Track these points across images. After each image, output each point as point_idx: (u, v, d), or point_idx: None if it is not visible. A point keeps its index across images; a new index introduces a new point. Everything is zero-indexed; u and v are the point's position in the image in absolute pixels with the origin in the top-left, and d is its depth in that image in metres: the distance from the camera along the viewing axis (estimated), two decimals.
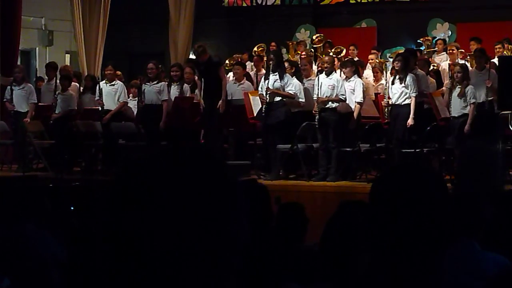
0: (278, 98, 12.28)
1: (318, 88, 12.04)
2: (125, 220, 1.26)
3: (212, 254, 1.27)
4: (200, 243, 1.26)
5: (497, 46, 14.09)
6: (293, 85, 12.30)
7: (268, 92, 12.23)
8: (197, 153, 1.32)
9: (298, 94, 12.32)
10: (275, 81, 12.26)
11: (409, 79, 11.78)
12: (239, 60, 15.21)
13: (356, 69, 12.74)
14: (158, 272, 1.26)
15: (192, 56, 16.00)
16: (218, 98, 12.80)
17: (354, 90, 12.27)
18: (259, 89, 12.63)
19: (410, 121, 11.66)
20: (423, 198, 1.87)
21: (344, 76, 12.47)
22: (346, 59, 13.01)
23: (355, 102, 12.21)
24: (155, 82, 13.29)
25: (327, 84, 12.04)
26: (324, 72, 12.18)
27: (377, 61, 15.13)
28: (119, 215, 1.27)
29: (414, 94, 11.74)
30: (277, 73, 12.27)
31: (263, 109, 12.29)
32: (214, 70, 12.90)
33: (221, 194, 1.28)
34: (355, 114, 12.19)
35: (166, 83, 13.50)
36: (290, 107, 12.37)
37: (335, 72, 12.56)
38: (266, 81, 12.32)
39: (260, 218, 3.93)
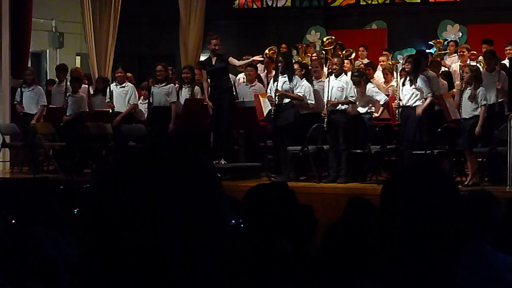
0: (287, 100, 12.26)
1: (328, 91, 12.02)
2: (111, 224, 1.26)
3: (207, 249, 1.26)
4: (191, 235, 1.25)
5: (507, 48, 14.03)
6: (302, 87, 12.28)
7: (277, 94, 12.22)
8: (174, 150, 1.32)
9: (307, 96, 12.30)
10: (284, 83, 12.24)
11: (420, 81, 11.75)
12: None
13: (366, 77, 12.72)
14: (154, 270, 1.25)
15: (202, 58, 16.01)
16: (228, 95, 12.87)
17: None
18: (268, 90, 12.62)
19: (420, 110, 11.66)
20: (434, 199, 1.86)
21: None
22: (355, 74, 12.78)
23: (381, 104, 12.45)
24: (164, 84, 13.32)
25: (336, 86, 12.03)
26: (333, 74, 12.17)
27: (389, 62, 15.11)
28: (103, 219, 1.27)
29: (430, 95, 11.72)
30: (286, 75, 12.26)
31: (272, 111, 12.29)
32: (225, 67, 12.95)
33: (204, 186, 1.28)
34: (378, 113, 12.44)
35: (176, 85, 13.52)
36: (299, 109, 12.36)
37: (345, 74, 12.53)
38: (275, 83, 12.31)
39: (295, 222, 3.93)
